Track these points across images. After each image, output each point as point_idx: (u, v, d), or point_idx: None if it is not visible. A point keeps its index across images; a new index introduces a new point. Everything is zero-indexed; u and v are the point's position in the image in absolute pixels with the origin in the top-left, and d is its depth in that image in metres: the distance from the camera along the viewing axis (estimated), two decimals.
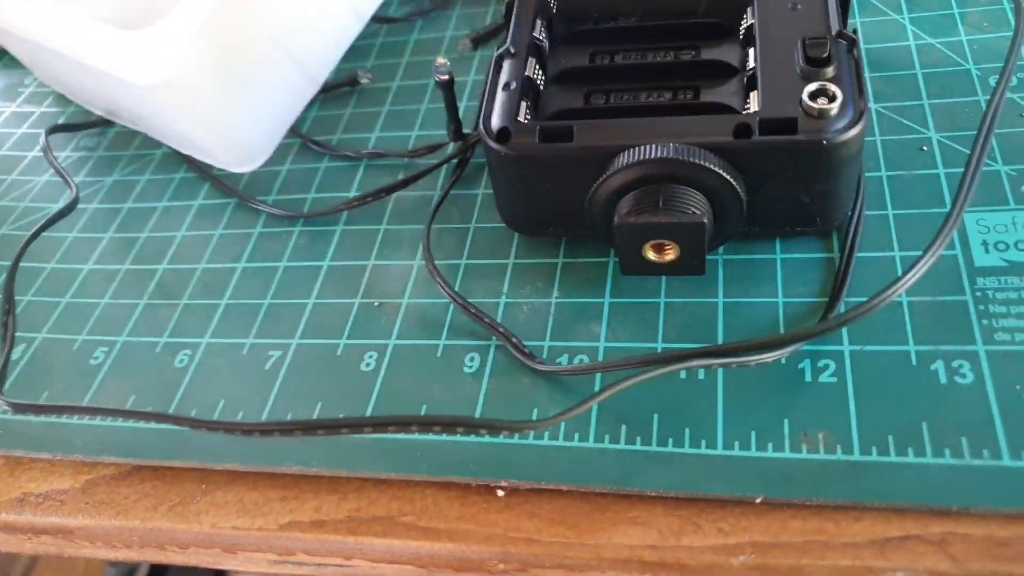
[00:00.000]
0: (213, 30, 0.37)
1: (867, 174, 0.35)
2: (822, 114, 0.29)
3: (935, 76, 0.38)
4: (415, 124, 0.43)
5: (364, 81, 0.46)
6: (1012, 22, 0.39)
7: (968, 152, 0.34)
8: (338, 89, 0.46)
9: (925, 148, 0.35)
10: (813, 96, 0.30)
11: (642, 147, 0.30)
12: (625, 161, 0.30)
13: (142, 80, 0.37)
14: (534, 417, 0.31)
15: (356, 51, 0.48)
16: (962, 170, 0.33)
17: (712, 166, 0.29)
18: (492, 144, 0.32)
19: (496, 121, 0.32)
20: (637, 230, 0.30)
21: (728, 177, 0.30)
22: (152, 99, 0.39)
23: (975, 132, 0.35)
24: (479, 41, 0.46)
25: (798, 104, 0.30)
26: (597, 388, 0.31)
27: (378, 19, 0.49)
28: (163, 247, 0.41)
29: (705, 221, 0.29)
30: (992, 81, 0.37)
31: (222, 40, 0.38)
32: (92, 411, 0.32)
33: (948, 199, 0.33)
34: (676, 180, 0.30)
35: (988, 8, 0.40)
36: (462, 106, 0.43)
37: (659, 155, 0.29)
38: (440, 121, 0.40)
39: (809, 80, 0.30)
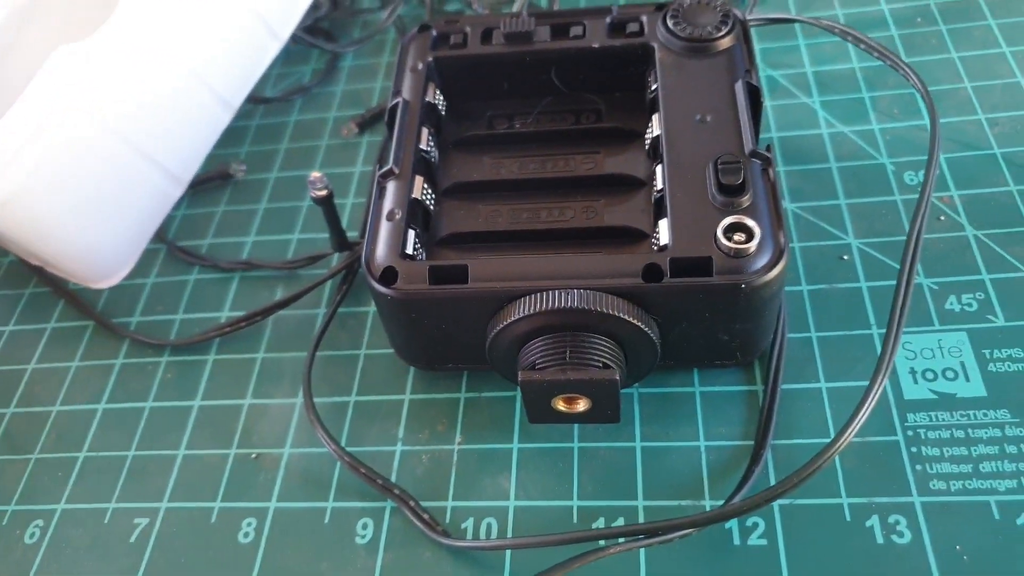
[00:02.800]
0: (49, 138, 0.33)
1: (787, 288, 0.32)
2: (739, 253, 0.26)
3: (850, 171, 0.36)
4: (296, 225, 0.39)
5: (238, 174, 0.41)
6: (923, 109, 0.37)
7: (889, 262, 0.33)
8: (209, 183, 0.42)
9: (845, 257, 0.33)
10: (729, 231, 0.27)
11: (546, 294, 0.27)
12: (527, 310, 0.27)
13: None
14: None
15: (229, 135, 0.43)
16: (884, 283, 0.32)
17: (621, 314, 0.26)
18: (377, 287, 0.28)
19: (380, 258, 0.29)
20: (544, 387, 0.27)
21: (639, 324, 0.27)
22: None
23: (895, 238, 0.33)
24: (366, 125, 0.42)
25: (712, 240, 0.27)
26: (508, 562, 0.28)
27: (253, 99, 0.44)
28: (11, 384, 0.36)
29: (617, 377, 0.26)
30: (907, 178, 0.35)
31: (62, 147, 0.33)
32: None
33: (872, 317, 0.31)
34: (583, 328, 0.27)
35: (897, 92, 0.38)
36: (348, 203, 0.39)
37: (563, 304, 0.26)
38: (324, 221, 0.36)
39: (724, 211, 0.27)
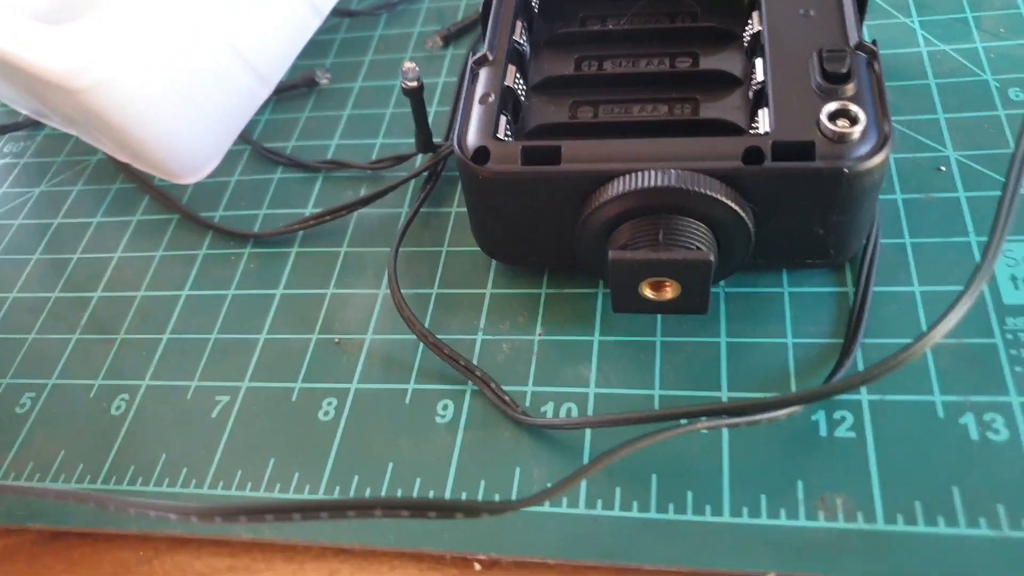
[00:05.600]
0: (150, 25, 0.33)
1: (881, 196, 0.31)
2: (843, 138, 0.26)
3: (950, 87, 0.34)
4: (379, 131, 0.39)
5: (323, 82, 0.42)
6: None
7: (990, 174, 0.31)
8: (294, 90, 0.42)
9: (943, 168, 0.32)
10: (833, 117, 0.26)
11: (640, 174, 0.26)
12: (620, 189, 0.26)
13: (72, 82, 0.33)
14: (516, 477, 0.27)
15: (314, 47, 0.43)
16: (984, 193, 0.31)
17: (719, 196, 0.26)
18: (469, 165, 0.28)
19: (473, 139, 0.29)
20: (634, 267, 0.26)
21: (736, 208, 0.26)
22: (84, 102, 0.35)
23: (997, 151, 0.32)
24: (450, 38, 0.42)
25: (815, 126, 0.26)
26: (587, 443, 0.27)
27: (339, 12, 0.45)
28: (98, 271, 0.37)
29: (711, 258, 0.26)
30: (1012, 94, 0.34)
31: (160, 36, 0.34)
32: (13, 490, 0.28)
33: (970, 226, 0.30)
34: (677, 210, 0.27)
35: (1004, 12, 0.37)
36: (432, 112, 0.39)
37: (660, 183, 0.26)
38: (408, 127, 0.36)
39: (828, 98, 0.27)
